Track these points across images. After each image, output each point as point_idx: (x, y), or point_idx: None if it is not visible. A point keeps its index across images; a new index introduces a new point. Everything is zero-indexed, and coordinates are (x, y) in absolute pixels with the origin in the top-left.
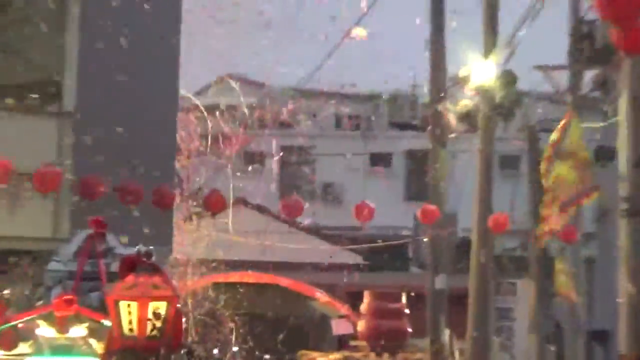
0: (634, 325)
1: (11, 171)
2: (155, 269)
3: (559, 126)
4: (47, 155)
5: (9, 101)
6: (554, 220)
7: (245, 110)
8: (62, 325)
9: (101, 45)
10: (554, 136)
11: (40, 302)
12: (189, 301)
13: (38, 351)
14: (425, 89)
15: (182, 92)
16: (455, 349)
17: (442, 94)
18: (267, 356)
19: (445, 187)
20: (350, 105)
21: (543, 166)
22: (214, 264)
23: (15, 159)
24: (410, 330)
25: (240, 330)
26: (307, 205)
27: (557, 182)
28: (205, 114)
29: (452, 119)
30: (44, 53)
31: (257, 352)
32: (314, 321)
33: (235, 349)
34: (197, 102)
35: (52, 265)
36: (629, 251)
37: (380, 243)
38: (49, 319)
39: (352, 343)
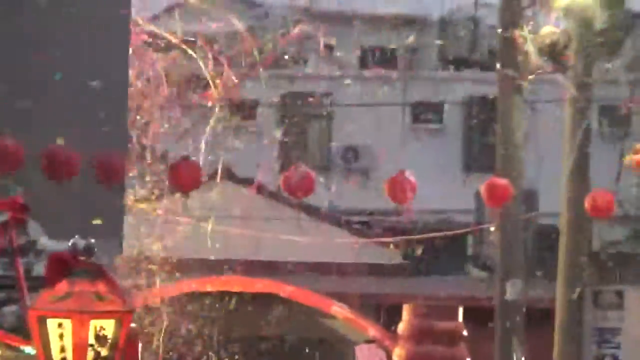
0: None
1: None
2: (98, 272)
3: None
4: None
5: None
6: None
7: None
8: None
9: None
10: None
11: None
12: (149, 319)
13: None
14: (492, 9)
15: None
16: None
17: (517, 17)
18: None
19: (521, 153)
20: (382, 34)
21: None
22: (185, 265)
23: None
24: (469, 359)
25: None
26: (320, 179)
27: None
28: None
29: (531, 54)
30: None
31: None
32: (330, 347)
33: None
34: (158, 29)
35: None
36: None
37: (426, 235)
38: None
39: None
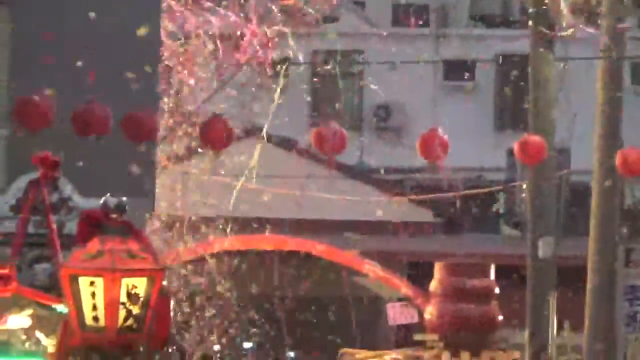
0: None
1: None
2: (130, 230)
3: None
4: None
5: None
6: None
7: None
8: None
9: None
10: None
11: None
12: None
13: None
14: None
15: None
16: (569, 346)
17: None
18: (292, 354)
19: (553, 111)
20: None
21: None
22: (217, 224)
23: None
24: (501, 318)
25: (256, 319)
26: (351, 137)
27: None
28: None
29: (563, 10)
30: None
31: (278, 350)
32: (362, 306)
33: (248, 344)
34: None
35: None
36: None
37: (458, 192)
38: None
39: (417, 337)
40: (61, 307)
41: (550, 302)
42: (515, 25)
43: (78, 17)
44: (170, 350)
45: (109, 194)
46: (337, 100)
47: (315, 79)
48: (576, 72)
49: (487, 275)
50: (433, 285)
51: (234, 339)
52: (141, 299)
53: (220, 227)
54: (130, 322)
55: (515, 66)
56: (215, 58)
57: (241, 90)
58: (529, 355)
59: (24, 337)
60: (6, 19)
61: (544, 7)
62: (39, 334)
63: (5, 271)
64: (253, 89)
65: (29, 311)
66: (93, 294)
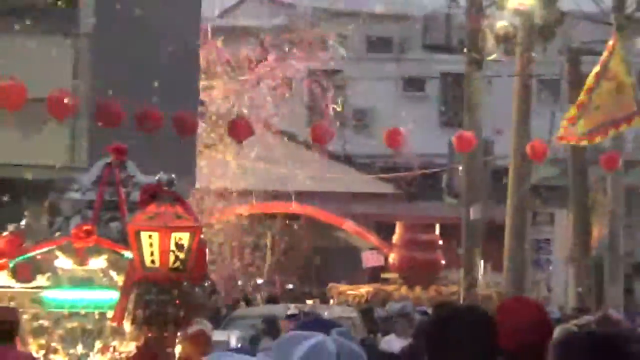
0: None
1: (24, 96)
2: (177, 199)
3: (608, 46)
4: (62, 79)
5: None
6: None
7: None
8: (81, 256)
9: None
10: (604, 54)
11: (58, 233)
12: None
13: (56, 284)
14: (461, 9)
15: (206, 12)
16: (491, 282)
17: (479, 15)
18: (290, 286)
19: (481, 113)
20: (382, 26)
21: (589, 83)
22: (238, 195)
23: (30, 83)
24: (443, 262)
25: (265, 262)
26: (337, 131)
27: (599, 101)
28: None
29: (489, 41)
30: None
31: (282, 284)
32: (344, 253)
33: (259, 280)
34: (222, 23)
35: (71, 195)
36: None
37: (412, 172)
38: (67, 250)
39: (383, 275)
40: (128, 254)
41: (477, 251)
42: (454, 51)
43: (140, 42)
44: (205, 284)
45: (162, 172)
46: (327, 104)
47: (312, 89)
48: (499, 85)
49: (433, 231)
50: (395, 239)
51: (253, 276)
52: (185, 247)
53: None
54: (177, 264)
55: (454, 81)
56: (240, 74)
57: (258, 97)
58: (463, 288)
59: (101, 275)
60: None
61: (476, 38)
62: (112, 273)
63: (89, 227)
64: (269, 97)
65: (105, 256)
66: (151, 244)
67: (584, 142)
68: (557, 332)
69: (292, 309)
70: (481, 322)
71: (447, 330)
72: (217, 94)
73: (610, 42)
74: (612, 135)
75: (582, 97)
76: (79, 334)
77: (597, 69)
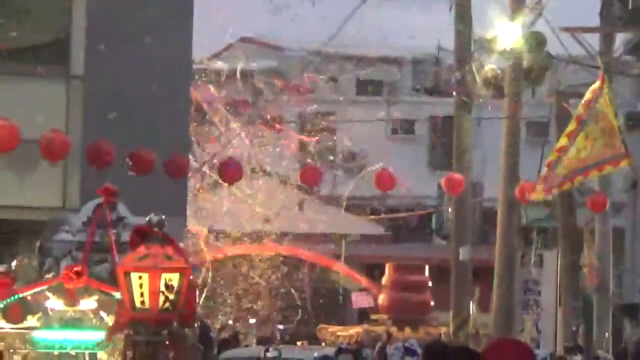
0: None
1: (17, 137)
2: (167, 239)
3: (592, 87)
4: (55, 122)
5: (15, 65)
6: (551, 180)
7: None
8: (72, 297)
9: (110, 6)
10: (587, 96)
11: (49, 274)
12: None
13: (47, 324)
14: (450, 53)
15: (196, 56)
16: (479, 323)
17: (468, 58)
18: (281, 327)
19: (470, 155)
20: (372, 70)
21: (571, 126)
22: (229, 236)
23: (22, 126)
24: (433, 303)
25: (258, 303)
26: (328, 174)
27: (585, 142)
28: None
29: (478, 84)
30: (51, 15)
31: (274, 324)
32: (334, 294)
33: (252, 320)
34: (212, 66)
35: (61, 236)
36: None
37: (402, 214)
38: (58, 291)
39: (373, 317)
40: (117, 294)
41: (466, 291)
42: (443, 94)
43: (131, 85)
44: (195, 325)
45: (152, 214)
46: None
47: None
48: (488, 127)
49: (423, 272)
50: (384, 280)
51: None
52: (175, 288)
53: (234, 238)
54: (167, 305)
55: (443, 124)
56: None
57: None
58: (453, 329)
59: (92, 315)
60: (78, 95)
61: (464, 82)
62: (102, 313)
63: (79, 269)
64: (256, 140)
65: (95, 297)
66: (141, 285)
67: (567, 185)
68: None
69: (271, 351)
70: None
71: None
72: (207, 138)
73: (597, 85)
74: (595, 176)
75: (562, 141)
76: None
77: (579, 111)
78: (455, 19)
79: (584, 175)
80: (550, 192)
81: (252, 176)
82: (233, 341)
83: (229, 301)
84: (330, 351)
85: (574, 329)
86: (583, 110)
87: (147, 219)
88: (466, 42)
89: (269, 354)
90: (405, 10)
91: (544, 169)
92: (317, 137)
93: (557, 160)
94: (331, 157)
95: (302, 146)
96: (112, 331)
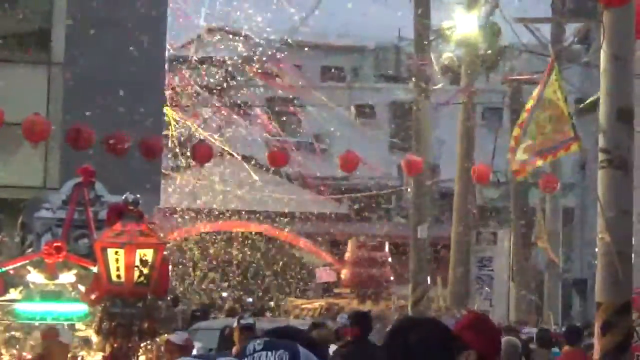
0: (609, 274)
1: (1, 120)
2: (142, 217)
3: (542, 77)
4: (36, 106)
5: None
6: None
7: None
8: (52, 271)
9: None
10: (538, 87)
11: (30, 249)
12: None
13: (28, 297)
14: (410, 42)
15: (169, 45)
16: (439, 296)
17: (427, 47)
18: (249, 299)
19: (428, 139)
20: (336, 57)
21: (522, 117)
22: (199, 214)
23: (5, 109)
24: (392, 278)
25: (227, 278)
26: (293, 155)
27: (536, 130)
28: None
29: (436, 71)
30: (34, 5)
31: (242, 297)
32: (300, 269)
33: (224, 294)
34: (185, 53)
35: (42, 213)
36: (606, 202)
37: (365, 193)
38: (38, 265)
39: (336, 290)
40: (95, 269)
41: (425, 267)
42: (403, 81)
43: (109, 70)
44: (168, 297)
45: (128, 193)
46: (284, 129)
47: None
48: (444, 112)
49: (383, 249)
50: (346, 256)
51: (214, 291)
52: (149, 263)
53: (205, 216)
54: (141, 279)
55: (403, 109)
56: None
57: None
58: (411, 302)
59: (71, 289)
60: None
61: (423, 70)
62: (81, 287)
63: (59, 244)
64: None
65: (74, 271)
66: (117, 260)
67: (529, 168)
68: (503, 343)
69: (247, 319)
70: (440, 331)
71: (407, 338)
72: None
73: (545, 73)
74: (550, 160)
75: (516, 131)
76: None
77: (530, 102)
78: (415, 9)
79: (543, 158)
80: (521, 173)
81: (221, 157)
82: (202, 315)
83: (198, 273)
84: (299, 323)
85: (532, 298)
86: (533, 101)
87: (123, 197)
88: (425, 32)
89: (243, 322)
90: (368, 2)
91: (509, 155)
92: (283, 120)
93: (515, 147)
94: (297, 140)
95: (269, 129)
96: (91, 304)
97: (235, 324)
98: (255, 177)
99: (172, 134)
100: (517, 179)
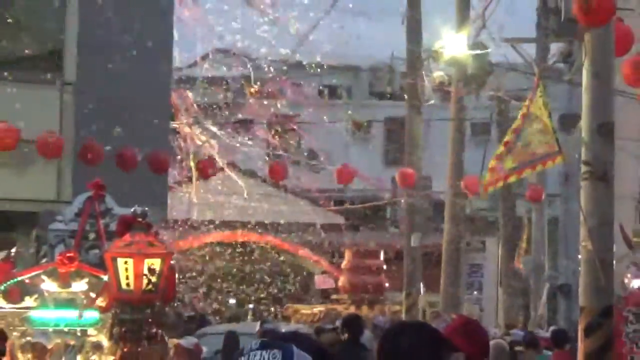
0: (592, 280)
1: (17, 138)
2: (150, 228)
3: (530, 94)
4: (50, 123)
5: (14, 73)
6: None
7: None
8: (65, 280)
9: (100, 21)
10: (526, 102)
11: (45, 260)
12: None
13: (42, 304)
14: (403, 62)
15: (176, 65)
16: (428, 301)
17: (418, 66)
18: (250, 306)
19: (420, 153)
20: (333, 76)
21: (517, 122)
22: (204, 225)
23: (22, 127)
24: (387, 284)
25: (230, 286)
26: (293, 170)
27: (527, 139)
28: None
29: (427, 89)
30: (46, 27)
31: (245, 303)
32: (299, 276)
33: (232, 300)
34: (190, 73)
35: (55, 225)
36: (588, 212)
37: (360, 205)
38: (52, 274)
39: (334, 296)
40: (105, 277)
41: (418, 274)
42: (397, 98)
43: (118, 90)
44: (175, 304)
45: (137, 206)
46: (287, 144)
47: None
48: (436, 128)
49: (378, 257)
50: (344, 264)
51: (219, 299)
52: (157, 272)
53: (210, 227)
54: (150, 286)
55: (397, 124)
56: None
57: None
58: (405, 308)
59: (83, 296)
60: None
61: (415, 87)
62: (92, 294)
63: (71, 254)
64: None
65: (86, 280)
66: (126, 269)
67: (513, 178)
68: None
69: (268, 323)
70: (430, 334)
71: (398, 342)
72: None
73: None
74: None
75: (508, 136)
76: (62, 349)
77: (523, 110)
78: (407, 31)
79: (531, 168)
80: (495, 184)
81: (225, 171)
82: (200, 321)
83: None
84: (302, 328)
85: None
86: (526, 110)
87: (132, 210)
88: (417, 52)
89: (265, 326)
90: (363, 23)
91: (492, 161)
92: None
93: (505, 153)
94: (296, 155)
95: (270, 144)
96: (102, 311)
97: (257, 328)
98: (261, 191)
99: (178, 150)
100: (486, 192)
